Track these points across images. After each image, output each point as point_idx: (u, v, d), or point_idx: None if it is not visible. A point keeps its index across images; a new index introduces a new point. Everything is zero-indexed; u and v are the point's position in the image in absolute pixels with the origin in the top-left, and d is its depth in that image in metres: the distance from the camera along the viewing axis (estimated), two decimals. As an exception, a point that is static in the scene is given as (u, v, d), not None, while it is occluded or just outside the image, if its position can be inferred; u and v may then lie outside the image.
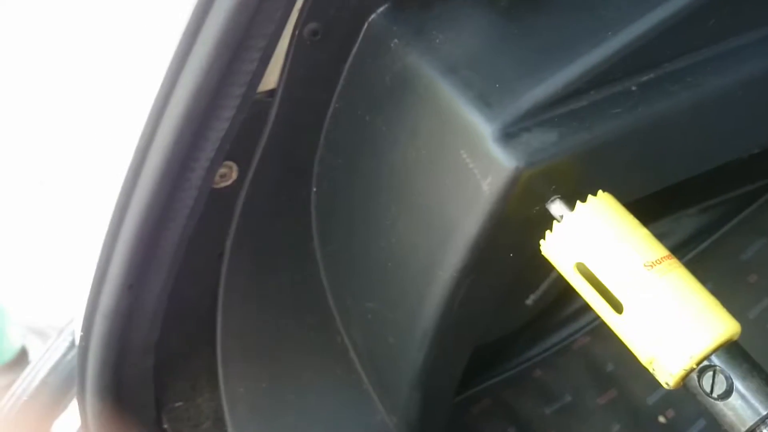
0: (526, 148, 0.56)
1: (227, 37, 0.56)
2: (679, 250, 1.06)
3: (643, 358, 0.52)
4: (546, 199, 0.58)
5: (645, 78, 0.62)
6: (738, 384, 0.49)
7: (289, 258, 0.81)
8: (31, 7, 0.81)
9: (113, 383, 0.73)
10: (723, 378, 0.50)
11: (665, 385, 0.52)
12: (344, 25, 0.65)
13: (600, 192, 0.56)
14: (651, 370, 0.53)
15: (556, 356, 0.99)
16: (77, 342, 0.73)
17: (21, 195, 0.99)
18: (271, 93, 0.67)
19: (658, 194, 0.70)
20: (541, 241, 0.57)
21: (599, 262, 0.54)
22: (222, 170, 0.69)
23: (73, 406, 0.82)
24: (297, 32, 0.63)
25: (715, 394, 0.50)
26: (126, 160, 0.63)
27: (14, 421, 0.95)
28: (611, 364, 0.98)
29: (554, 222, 0.57)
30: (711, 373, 0.50)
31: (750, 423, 0.49)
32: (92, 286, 0.68)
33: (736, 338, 0.52)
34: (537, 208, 0.59)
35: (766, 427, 0.48)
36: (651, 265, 0.53)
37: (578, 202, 0.56)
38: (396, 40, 0.64)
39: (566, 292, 0.95)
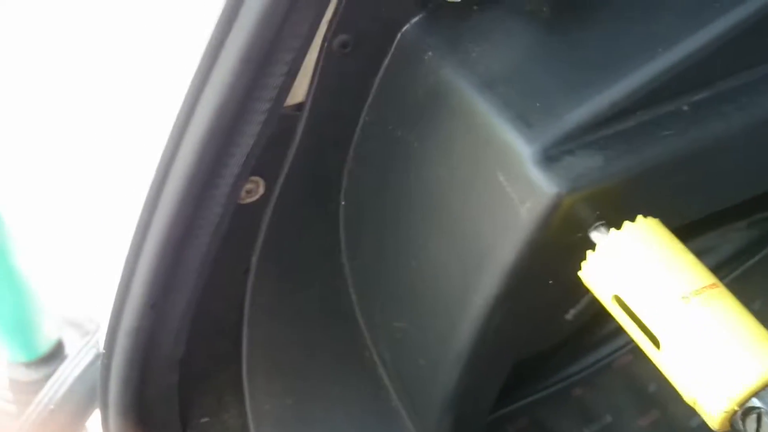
0: (569, 172, 0.53)
1: (252, 51, 0.54)
2: (725, 266, 1.01)
3: (686, 397, 0.50)
4: (589, 225, 0.55)
5: (697, 97, 0.58)
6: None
7: (316, 272, 0.79)
8: (62, 21, 0.80)
9: (136, 401, 0.72)
10: (769, 421, 0.46)
11: (712, 427, 0.49)
12: (376, 36, 0.62)
13: (641, 217, 0.53)
14: (697, 411, 0.49)
15: (596, 375, 0.95)
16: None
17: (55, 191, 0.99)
18: (299, 107, 0.64)
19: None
20: (581, 267, 0.54)
21: (635, 295, 0.51)
22: (248, 186, 0.67)
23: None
24: (326, 44, 0.60)
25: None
26: (148, 177, 0.61)
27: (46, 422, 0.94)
28: (654, 384, 0.94)
29: (590, 252, 0.53)
30: (755, 415, 0.47)
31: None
32: (114, 304, 0.66)
33: None
34: (579, 234, 0.55)
35: None
36: (691, 296, 0.49)
37: (613, 230, 0.52)
38: (430, 53, 0.60)
39: (607, 307, 0.91)
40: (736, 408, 0.47)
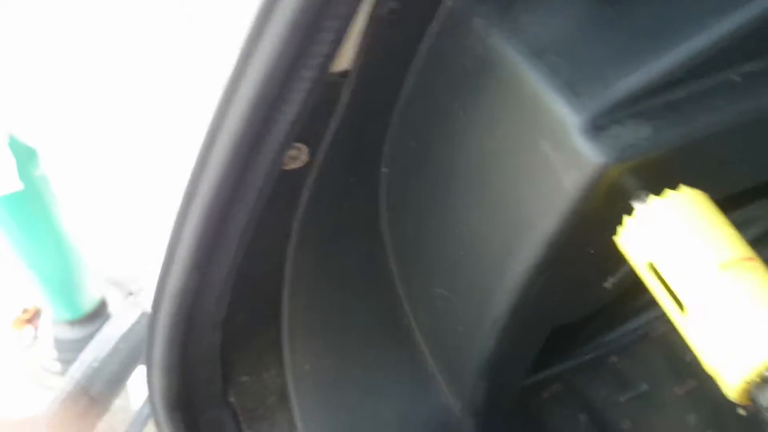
0: (617, 142, 0.52)
1: (300, 17, 0.54)
2: (765, 238, 0.99)
3: (707, 365, 0.50)
4: (634, 196, 0.54)
5: (749, 68, 0.56)
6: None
7: (356, 238, 0.79)
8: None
9: (180, 359, 0.74)
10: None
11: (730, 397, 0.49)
12: (424, 2, 0.61)
13: (683, 187, 0.52)
14: (716, 381, 0.50)
15: (633, 343, 0.95)
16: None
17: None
18: (345, 74, 0.64)
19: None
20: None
21: (668, 261, 0.51)
22: (292, 152, 0.67)
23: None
24: (375, 11, 0.60)
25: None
26: (196, 142, 0.61)
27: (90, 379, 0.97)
28: (690, 354, 0.93)
29: (627, 217, 0.54)
30: None
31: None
32: (162, 267, 0.68)
33: None
34: (622, 204, 0.55)
35: None
36: (725, 267, 0.49)
37: (653, 197, 0.52)
38: (478, 20, 0.59)
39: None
40: (757, 379, 0.46)
